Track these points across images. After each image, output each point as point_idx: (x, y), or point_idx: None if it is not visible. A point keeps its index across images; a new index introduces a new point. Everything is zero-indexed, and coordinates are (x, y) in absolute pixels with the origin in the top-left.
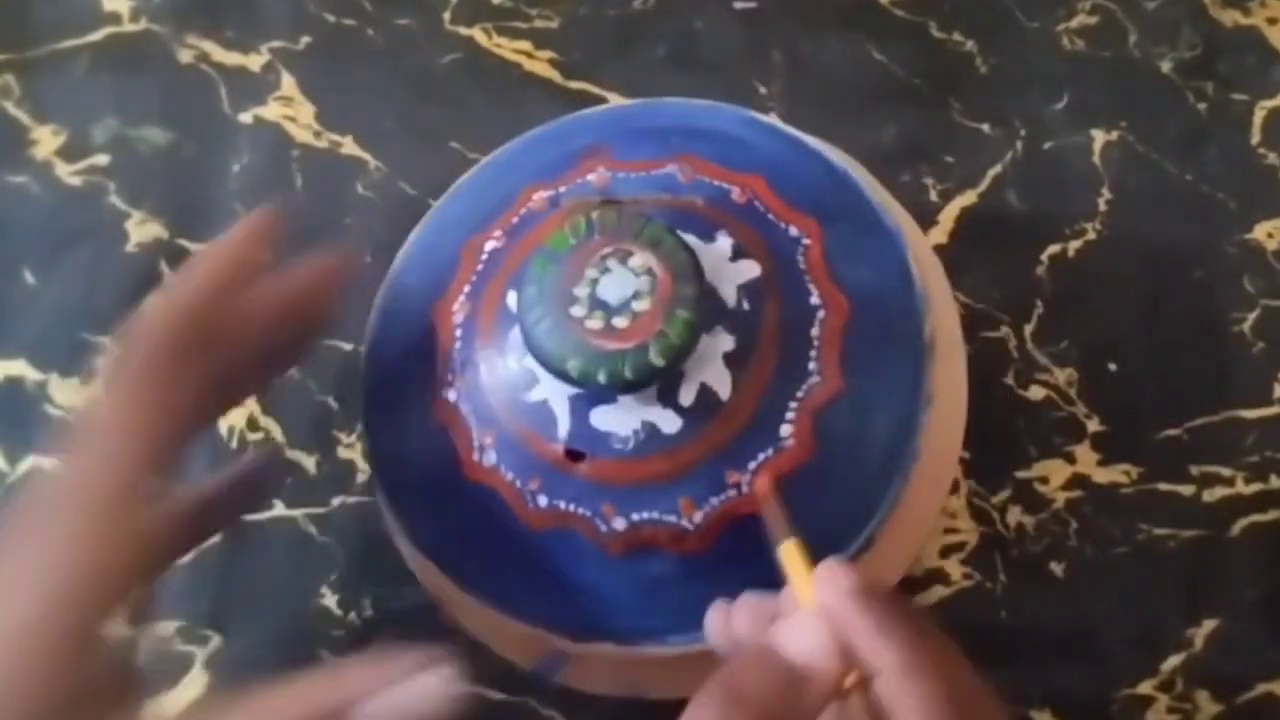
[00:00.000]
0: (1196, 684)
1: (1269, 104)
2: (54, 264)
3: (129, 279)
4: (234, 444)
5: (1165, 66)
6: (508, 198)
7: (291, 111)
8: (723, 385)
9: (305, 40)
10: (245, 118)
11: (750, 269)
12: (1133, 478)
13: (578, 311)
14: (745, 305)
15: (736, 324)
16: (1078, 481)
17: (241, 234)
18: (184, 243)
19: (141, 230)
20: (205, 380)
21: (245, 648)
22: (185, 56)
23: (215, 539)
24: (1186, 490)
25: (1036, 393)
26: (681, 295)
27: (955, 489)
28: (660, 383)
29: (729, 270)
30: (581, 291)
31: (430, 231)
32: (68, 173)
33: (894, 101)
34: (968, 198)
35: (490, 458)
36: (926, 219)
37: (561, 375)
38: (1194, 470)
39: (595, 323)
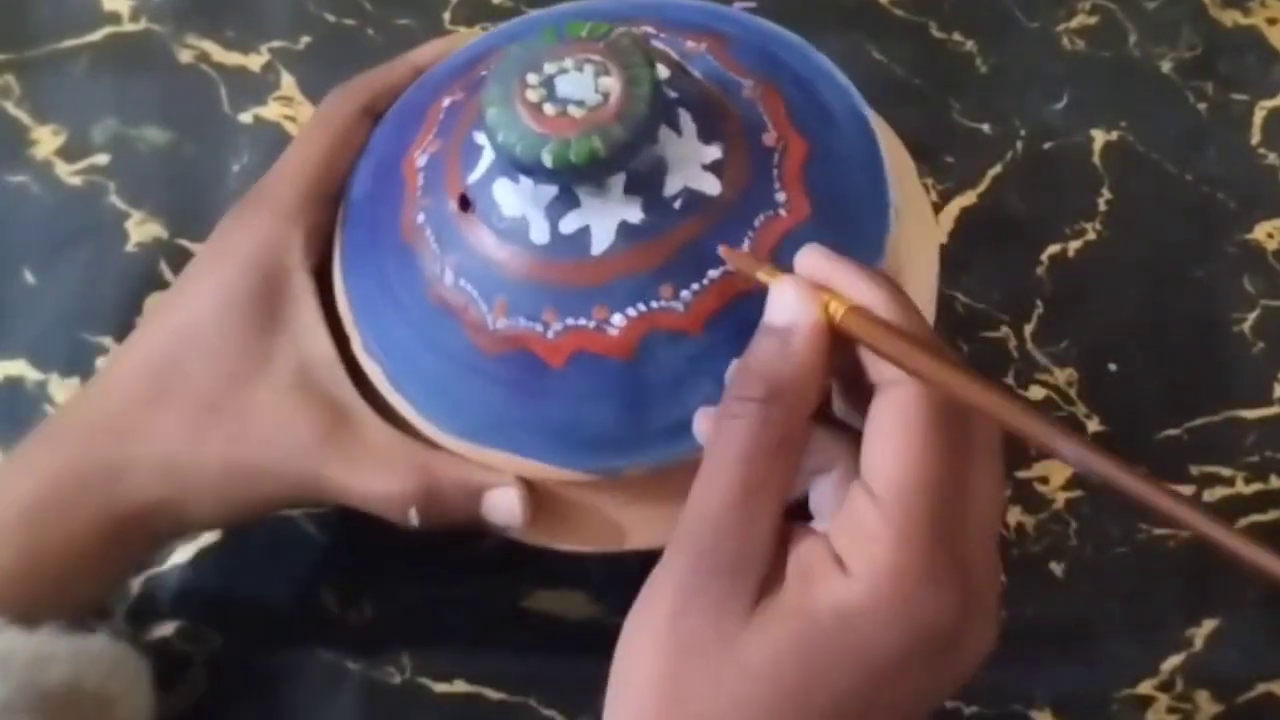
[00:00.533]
0: (1196, 684)
1: (1269, 104)
2: (54, 264)
3: (129, 279)
4: None
5: (1165, 66)
6: (478, 59)
7: (291, 111)
8: (708, 184)
9: (305, 40)
10: (245, 117)
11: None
12: None
13: (532, 97)
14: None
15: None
16: (1078, 481)
17: (441, 46)
18: (184, 243)
19: (141, 230)
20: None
21: (245, 647)
22: (185, 56)
23: (215, 538)
24: (1186, 490)
25: (1036, 393)
26: (637, 90)
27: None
28: (612, 174)
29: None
30: (537, 80)
31: (410, 91)
32: (68, 172)
33: (894, 101)
34: (968, 198)
35: (449, 278)
36: None
37: (511, 160)
38: (1194, 470)
39: (550, 109)
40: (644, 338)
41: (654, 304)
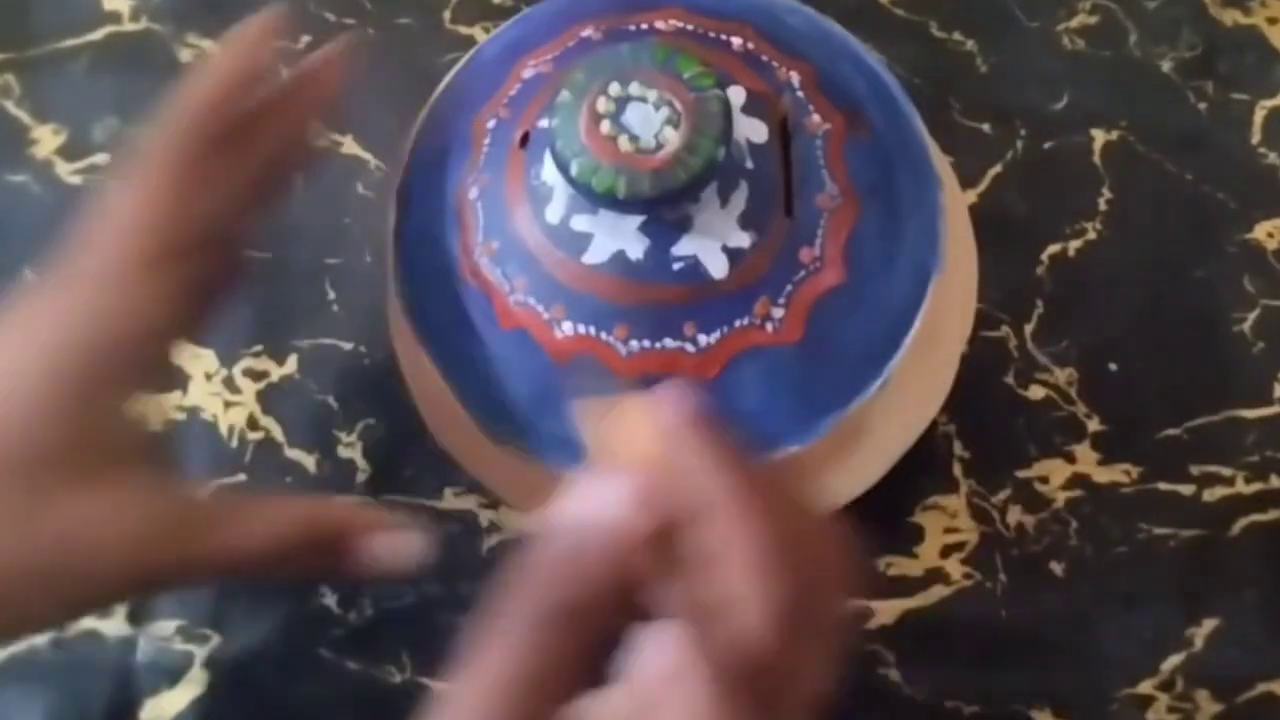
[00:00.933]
0: (1196, 684)
1: (1269, 104)
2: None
3: None
4: (234, 443)
5: (1165, 66)
6: (556, 29)
7: None
8: (741, 240)
9: (305, 39)
10: None
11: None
12: (1133, 477)
13: (606, 129)
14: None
15: (752, 175)
16: (1078, 481)
17: (253, 33)
18: None
19: None
20: (226, 171)
21: (245, 647)
22: (186, 56)
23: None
24: (1186, 490)
25: (1037, 392)
26: (707, 125)
27: (955, 489)
28: (675, 204)
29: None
30: (608, 110)
31: (486, 49)
32: (68, 172)
33: None
34: (968, 197)
35: (486, 261)
36: None
37: (583, 189)
38: (1194, 470)
39: (607, 128)
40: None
41: (605, 336)
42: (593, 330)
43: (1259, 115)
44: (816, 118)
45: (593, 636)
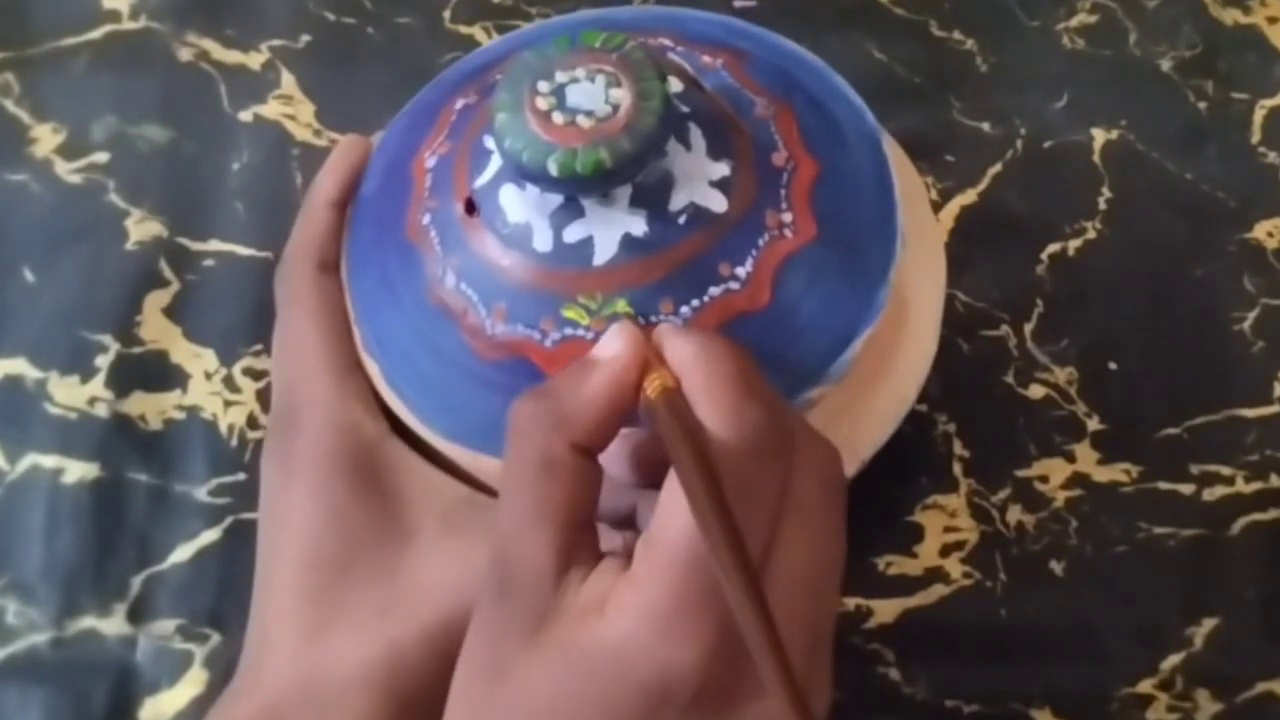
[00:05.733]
0: (1196, 683)
1: (1269, 103)
2: (53, 262)
3: (128, 277)
4: (234, 442)
5: (1165, 65)
6: (494, 62)
7: (291, 110)
8: (715, 201)
9: (305, 39)
10: (245, 116)
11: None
12: (1133, 477)
13: (542, 105)
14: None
15: (694, 116)
16: (1078, 480)
17: (341, 161)
18: (183, 241)
19: (141, 228)
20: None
21: None
22: (185, 54)
23: (215, 537)
24: (1186, 489)
25: (1036, 392)
26: (643, 70)
27: (955, 488)
28: (618, 185)
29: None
30: (548, 88)
31: (424, 92)
32: (67, 171)
33: (893, 100)
34: (967, 197)
35: (450, 280)
36: None
37: (517, 167)
38: (1194, 469)
39: (559, 118)
40: None
41: (653, 318)
42: (645, 320)
43: (1259, 115)
44: (759, 100)
45: (589, 449)
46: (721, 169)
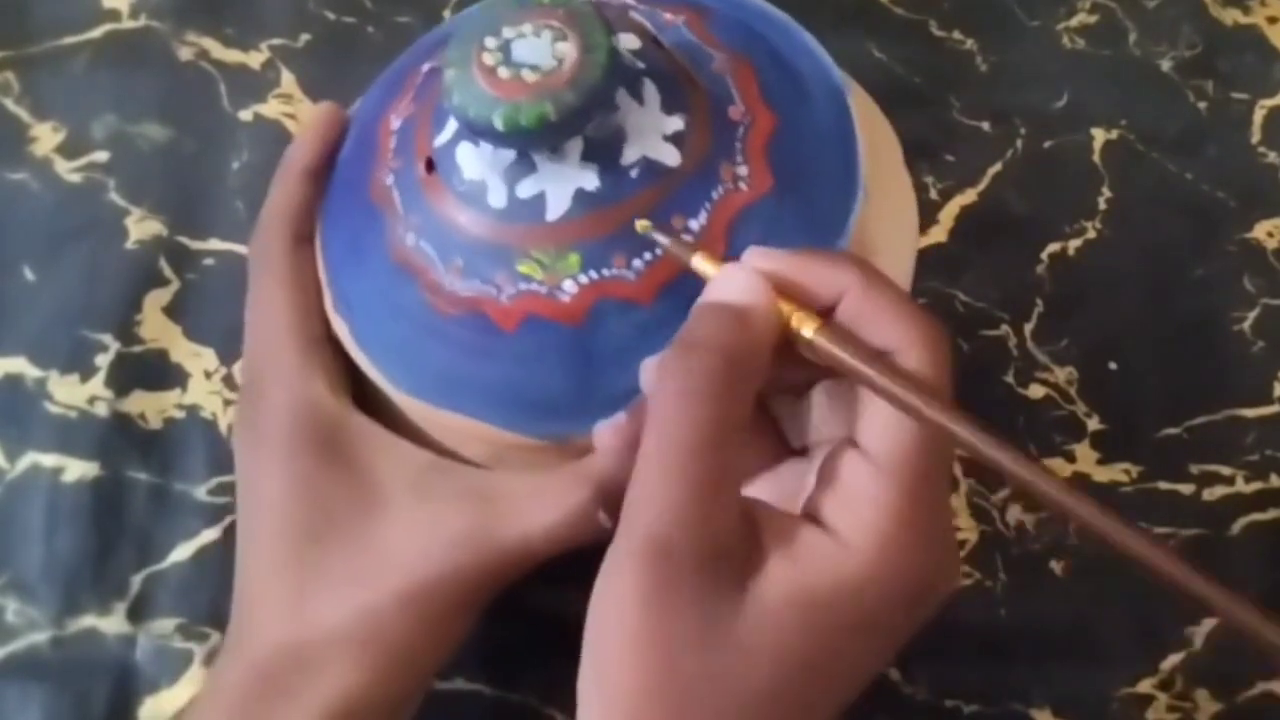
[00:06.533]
0: (1196, 683)
1: (1269, 103)
2: (53, 261)
3: (129, 276)
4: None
5: (1165, 65)
6: (400, 80)
7: (291, 109)
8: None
9: (305, 38)
10: (245, 115)
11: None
12: (1133, 476)
13: (489, 60)
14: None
15: (649, 71)
16: (1078, 480)
17: (315, 131)
18: (183, 240)
19: (141, 227)
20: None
21: None
22: (185, 54)
23: (215, 536)
24: (1186, 489)
25: (1036, 391)
26: (589, 24)
27: (955, 487)
28: (566, 139)
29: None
30: (495, 44)
31: (401, 58)
32: (67, 170)
33: (893, 100)
34: (967, 196)
35: (411, 239)
36: (926, 218)
37: (465, 121)
38: (1194, 469)
39: (505, 73)
40: (594, 305)
41: (606, 272)
42: (598, 274)
43: (1259, 115)
44: (717, 55)
45: (748, 401)
46: (675, 123)
